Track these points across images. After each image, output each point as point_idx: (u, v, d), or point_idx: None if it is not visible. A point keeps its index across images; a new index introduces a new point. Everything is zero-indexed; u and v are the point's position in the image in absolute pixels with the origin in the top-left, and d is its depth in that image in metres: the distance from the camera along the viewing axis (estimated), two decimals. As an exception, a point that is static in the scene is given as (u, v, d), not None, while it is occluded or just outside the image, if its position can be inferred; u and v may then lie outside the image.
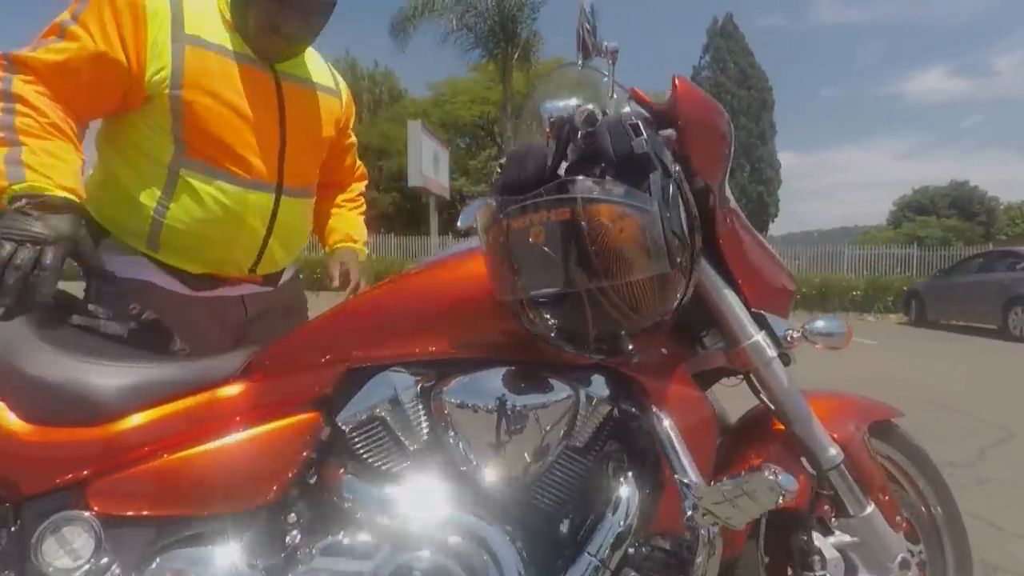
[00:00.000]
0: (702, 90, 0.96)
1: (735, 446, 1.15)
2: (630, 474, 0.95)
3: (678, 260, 0.81)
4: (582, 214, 0.76)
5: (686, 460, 0.91)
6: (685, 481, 0.89)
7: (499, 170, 0.89)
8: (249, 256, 1.25)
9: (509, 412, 0.90)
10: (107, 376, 0.89)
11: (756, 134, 30.04)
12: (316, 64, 1.36)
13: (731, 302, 1.03)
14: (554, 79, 1.13)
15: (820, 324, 1.04)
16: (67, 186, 0.99)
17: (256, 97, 1.18)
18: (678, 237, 0.81)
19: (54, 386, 0.87)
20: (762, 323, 1.04)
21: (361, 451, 0.94)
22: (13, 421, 0.86)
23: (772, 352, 1.03)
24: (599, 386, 0.96)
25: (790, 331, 1.05)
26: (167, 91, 1.10)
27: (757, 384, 1.08)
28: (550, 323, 0.84)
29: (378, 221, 30.32)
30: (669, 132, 0.93)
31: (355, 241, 1.53)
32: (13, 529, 0.85)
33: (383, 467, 0.94)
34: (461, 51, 16.15)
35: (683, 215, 0.84)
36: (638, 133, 0.81)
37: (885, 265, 17.24)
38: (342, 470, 0.92)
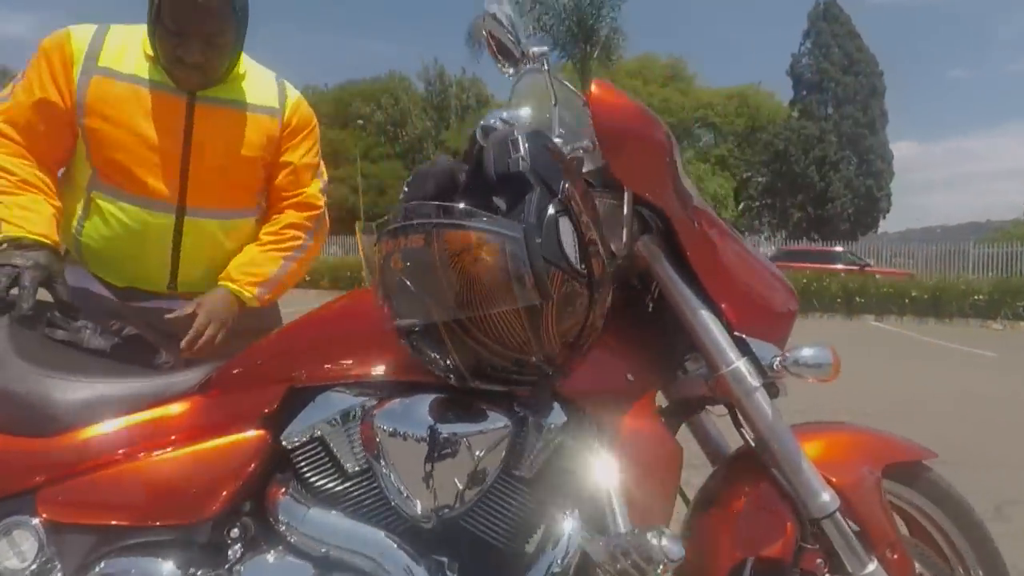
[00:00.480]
0: (624, 95, 0.87)
1: (724, 482, 1.04)
2: (576, 510, 0.88)
3: (554, 290, 0.73)
4: (435, 242, 0.71)
5: (617, 502, 0.83)
6: (612, 526, 0.81)
7: (406, 188, 0.85)
8: (161, 274, 1.31)
9: (436, 440, 0.85)
10: (65, 390, 0.94)
11: (864, 123, 27.63)
12: (257, 84, 1.36)
13: (708, 324, 0.94)
14: (520, 91, 1.06)
15: (804, 353, 0.90)
16: (40, 232, 1.13)
17: (161, 122, 1.24)
18: (556, 264, 0.73)
19: (14, 397, 0.93)
20: (745, 348, 0.94)
21: (303, 471, 0.93)
22: None
23: (755, 381, 0.92)
24: (549, 415, 0.89)
25: (776, 358, 0.93)
26: (78, 120, 1.20)
27: (740, 417, 0.97)
28: (423, 353, 0.80)
29: (464, 224, 31.20)
30: (585, 143, 0.85)
31: (234, 280, 1.32)
32: None
33: (322, 488, 0.92)
34: (539, 55, 16.21)
35: (571, 239, 0.75)
36: (516, 149, 0.74)
37: (1018, 265, 15.26)
38: (283, 489, 0.92)
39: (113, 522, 0.92)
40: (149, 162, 1.24)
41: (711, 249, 0.94)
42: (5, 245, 1.10)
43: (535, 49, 0.89)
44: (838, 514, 0.91)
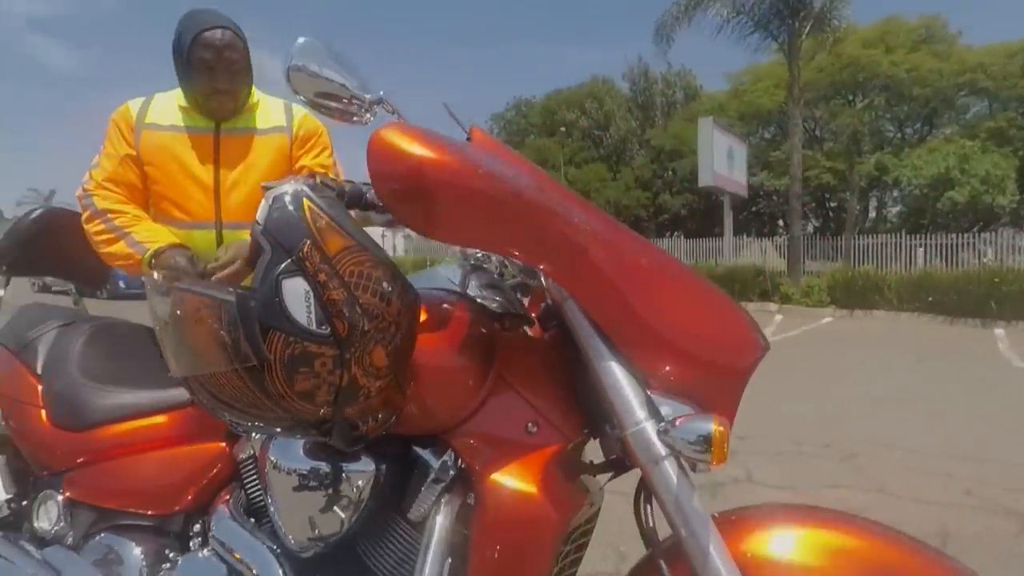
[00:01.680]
0: (404, 137, 0.76)
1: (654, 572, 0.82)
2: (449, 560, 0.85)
3: (272, 352, 0.72)
4: (176, 303, 0.76)
5: (430, 562, 0.82)
6: None
7: None
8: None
9: (302, 476, 0.88)
10: (93, 395, 1.17)
11: None
12: (267, 110, 1.67)
13: (616, 376, 0.79)
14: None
15: (686, 427, 0.74)
16: (170, 240, 1.51)
17: (195, 154, 1.57)
18: (276, 327, 0.72)
19: (62, 397, 1.19)
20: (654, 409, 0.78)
21: (244, 484, 1.05)
22: (43, 420, 1.19)
23: (663, 449, 0.76)
24: (430, 460, 0.87)
25: (661, 425, 0.77)
26: (142, 168, 1.58)
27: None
28: (197, 401, 0.84)
29: (668, 224, 30.19)
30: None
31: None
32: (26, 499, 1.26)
33: (250, 501, 1.04)
34: (739, 39, 14.65)
35: (301, 301, 0.73)
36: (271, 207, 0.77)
37: None
38: (225, 497, 1.06)
39: (110, 506, 1.16)
40: (190, 191, 1.57)
41: (606, 288, 0.80)
42: (153, 261, 1.44)
43: (369, 96, 0.87)
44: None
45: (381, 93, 0.89)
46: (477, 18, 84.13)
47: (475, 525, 0.83)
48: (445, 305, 0.88)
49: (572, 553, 0.94)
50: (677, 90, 32.90)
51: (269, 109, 1.68)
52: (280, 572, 0.94)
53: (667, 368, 0.80)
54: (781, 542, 0.80)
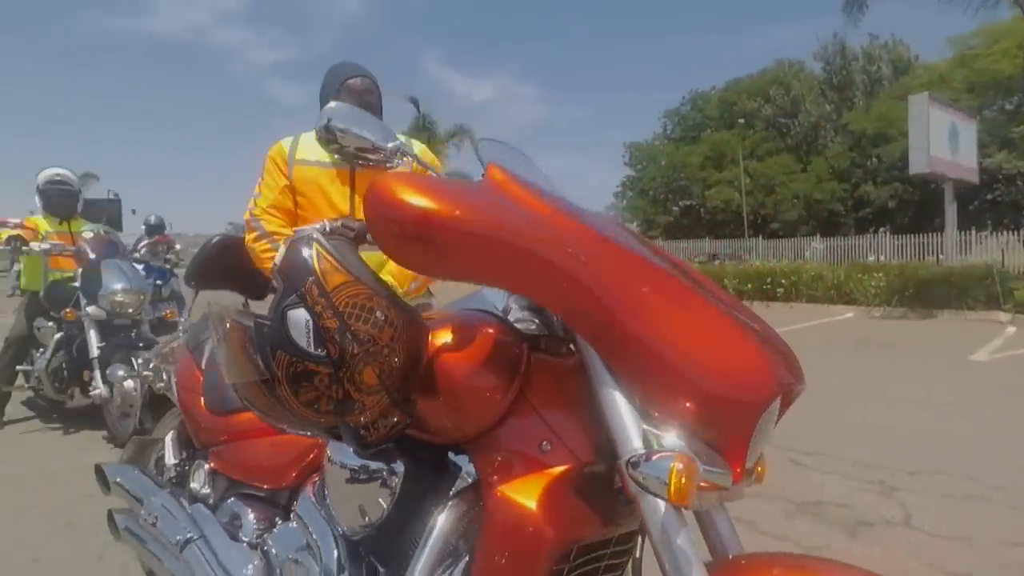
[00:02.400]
0: (398, 185, 0.84)
1: None
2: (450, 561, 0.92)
3: (279, 369, 0.84)
4: (223, 325, 0.92)
5: (424, 558, 0.90)
6: None
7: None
8: None
9: (351, 471, 1.02)
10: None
11: None
12: None
13: (616, 405, 0.78)
14: None
15: (649, 461, 0.71)
16: None
17: (335, 187, 1.82)
18: (283, 349, 0.84)
19: (214, 389, 1.40)
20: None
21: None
22: (201, 405, 1.43)
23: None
24: (452, 466, 0.98)
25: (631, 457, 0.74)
26: (294, 196, 1.84)
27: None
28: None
29: (872, 219, 26.38)
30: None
31: (394, 277, 1.81)
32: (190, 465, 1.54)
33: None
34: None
35: (303, 328, 0.85)
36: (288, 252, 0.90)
37: None
38: (314, 481, 1.18)
39: (237, 477, 1.37)
40: (328, 214, 1.72)
41: (604, 318, 0.79)
42: None
43: (392, 145, 0.99)
44: None
45: (400, 142, 1.01)
46: (648, 11, 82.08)
47: (481, 531, 0.88)
48: (476, 326, 0.94)
49: (582, 567, 0.93)
50: (882, 65, 28.71)
51: None
52: (335, 551, 1.08)
53: (669, 399, 0.77)
54: None
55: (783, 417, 0.88)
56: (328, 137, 1.00)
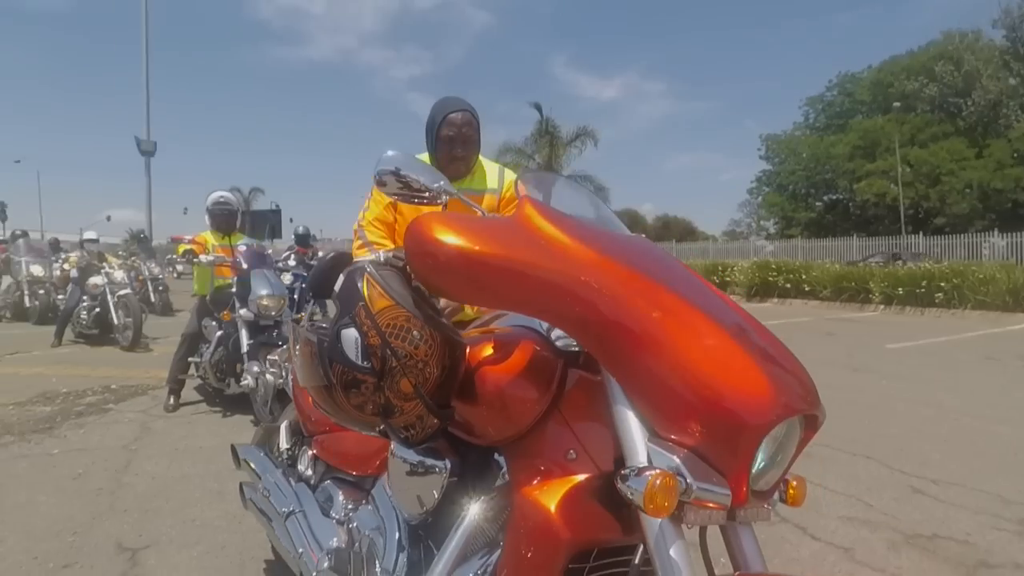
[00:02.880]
0: (432, 225, 0.99)
1: None
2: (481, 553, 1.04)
3: (335, 377, 1.01)
4: (297, 337, 1.12)
5: (451, 547, 1.03)
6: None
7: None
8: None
9: (408, 464, 1.17)
10: None
11: None
12: (486, 174, 2.14)
13: (625, 421, 0.86)
14: None
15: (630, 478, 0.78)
16: None
17: (431, 208, 1.93)
18: (337, 361, 1.00)
19: None
20: (659, 457, 0.81)
21: None
22: (308, 399, 1.58)
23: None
24: (492, 465, 1.09)
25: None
26: (395, 213, 2.08)
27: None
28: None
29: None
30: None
31: None
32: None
33: None
34: None
35: (353, 344, 1.00)
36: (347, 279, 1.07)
37: None
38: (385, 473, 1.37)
39: (332, 463, 1.59)
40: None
41: (613, 340, 0.87)
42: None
43: (437, 185, 1.17)
44: None
45: (441, 183, 1.18)
46: (793, -7, 75.75)
47: (507, 525, 1.00)
48: (516, 341, 1.06)
49: (606, 568, 1.00)
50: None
51: (488, 173, 2.16)
52: (397, 533, 1.26)
53: (673, 421, 0.83)
54: None
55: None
56: (383, 180, 1.17)
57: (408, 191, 1.20)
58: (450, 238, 0.97)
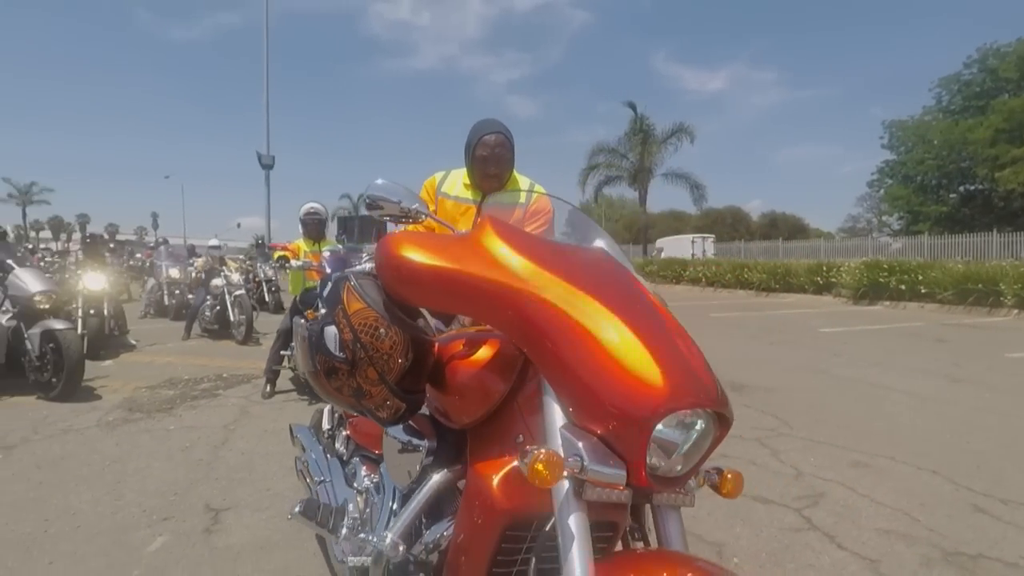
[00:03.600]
0: (395, 243, 1.18)
1: None
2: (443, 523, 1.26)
3: (318, 365, 1.24)
4: (296, 330, 1.37)
5: (408, 511, 1.26)
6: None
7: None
8: None
9: (397, 442, 1.38)
10: None
11: None
12: (515, 186, 2.34)
13: (552, 411, 1.01)
14: None
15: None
16: None
17: (465, 217, 2.31)
18: (320, 352, 1.23)
19: None
20: (570, 444, 0.95)
21: None
22: None
23: (566, 485, 0.93)
24: (434, 445, 1.31)
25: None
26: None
27: None
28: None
29: None
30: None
31: None
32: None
33: None
34: None
35: (333, 338, 1.22)
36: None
37: None
38: None
39: (361, 443, 1.84)
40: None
41: (535, 341, 1.02)
42: None
43: (412, 208, 1.45)
44: None
45: (415, 205, 1.43)
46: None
47: (462, 496, 1.18)
48: (486, 340, 1.25)
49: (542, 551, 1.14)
50: None
51: (516, 183, 2.38)
52: (391, 501, 1.50)
53: (583, 411, 0.98)
54: None
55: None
56: (368, 203, 1.41)
57: (391, 213, 1.43)
58: (410, 254, 1.17)
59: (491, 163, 2.24)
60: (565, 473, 0.91)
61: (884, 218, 38.72)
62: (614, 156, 26.62)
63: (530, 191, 2.36)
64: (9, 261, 5.10)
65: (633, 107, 26.16)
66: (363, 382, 1.23)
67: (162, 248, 11.30)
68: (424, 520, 1.32)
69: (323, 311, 1.30)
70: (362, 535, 1.38)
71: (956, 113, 30.76)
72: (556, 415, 1.00)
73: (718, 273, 18.13)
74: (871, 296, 13.23)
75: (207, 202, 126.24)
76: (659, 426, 0.93)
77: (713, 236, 31.34)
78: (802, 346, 7.43)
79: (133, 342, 7.57)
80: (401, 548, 1.23)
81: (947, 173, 30.22)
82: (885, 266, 13.26)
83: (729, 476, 1.08)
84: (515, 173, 2.35)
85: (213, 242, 9.84)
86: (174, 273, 10.37)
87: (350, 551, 1.49)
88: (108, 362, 6.35)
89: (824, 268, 14.95)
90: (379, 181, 1.46)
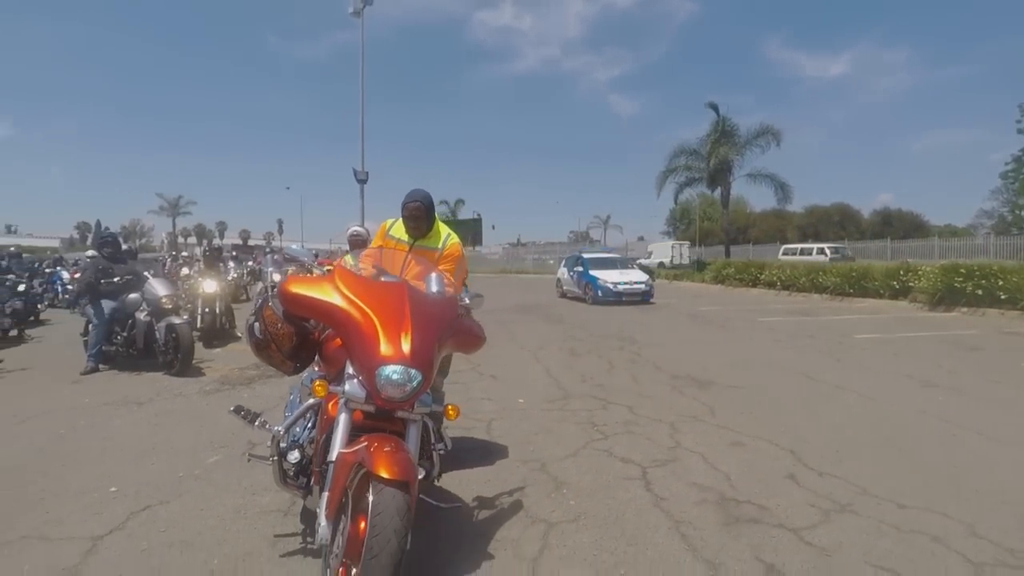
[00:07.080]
0: (287, 282, 2.32)
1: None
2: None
3: (250, 339, 2.63)
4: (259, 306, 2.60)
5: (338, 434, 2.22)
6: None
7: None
8: None
9: (308, 382, 2.65)
10: None
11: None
12: (436, 236, 3.40)
13: (347, 367, 2.23)
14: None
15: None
16: None
17: (398, 256, 3.08)
18: (251, 334, 2.58)
19: None
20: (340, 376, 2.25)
21: None
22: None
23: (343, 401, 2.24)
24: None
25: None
26: None
27: None
28: None
29: None
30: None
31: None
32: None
33: None
34: None
35: (258, 326, 2.56)
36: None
37: None
38: None
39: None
40: (391, 271, 3.16)
41: (343, 329, 2.40)
42: None
43: (308, 261, 2.83)
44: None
45: (306, 260, 2.83)
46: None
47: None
48: (335, 335, 2.38)
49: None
50: None
51: (438, 235, 3.43)
52: (291, 409, 2.63)
53: (357, 365, 2.17)
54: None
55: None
56: (286, 256, 2.64)
57: (300, 263, 2.66)
58: (291, 287, 2.36)
59: (411, 221, 3.33)
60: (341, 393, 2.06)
61: (1020, 213, 34.67)
62: (695, 158, 26.45)
63: (447, 238, 3.41)
64: (146, 273, 6.96)
65: (715, 108, 25.88)
66: (272, 351, 2.49)
67: (268, 256, 13.58)
68: (303, 421, 2.49)
69: (253, 315, 2.53)
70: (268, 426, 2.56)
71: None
72: (349, 368, 2.15)
73: (793, 276, 17.79)
74: (947, 302, 12.65)
75: (323, 210, 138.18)
76: (384, 371, 2.03)
77: (688, 243, 39.49)
78: (817, 352, 7.69)
79: (239, 335, 9.47)
80: (284, 434, 2.41)
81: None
82: (963, 270, 12.61)
83: (451, 409, 2.23)
84: (438, 223, 3.44)
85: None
86: (276, 277, 12.42)
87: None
88: (217, 350, 8.20)
89: (900, 272, 14.36)
90: (293, 246, 2.69)
